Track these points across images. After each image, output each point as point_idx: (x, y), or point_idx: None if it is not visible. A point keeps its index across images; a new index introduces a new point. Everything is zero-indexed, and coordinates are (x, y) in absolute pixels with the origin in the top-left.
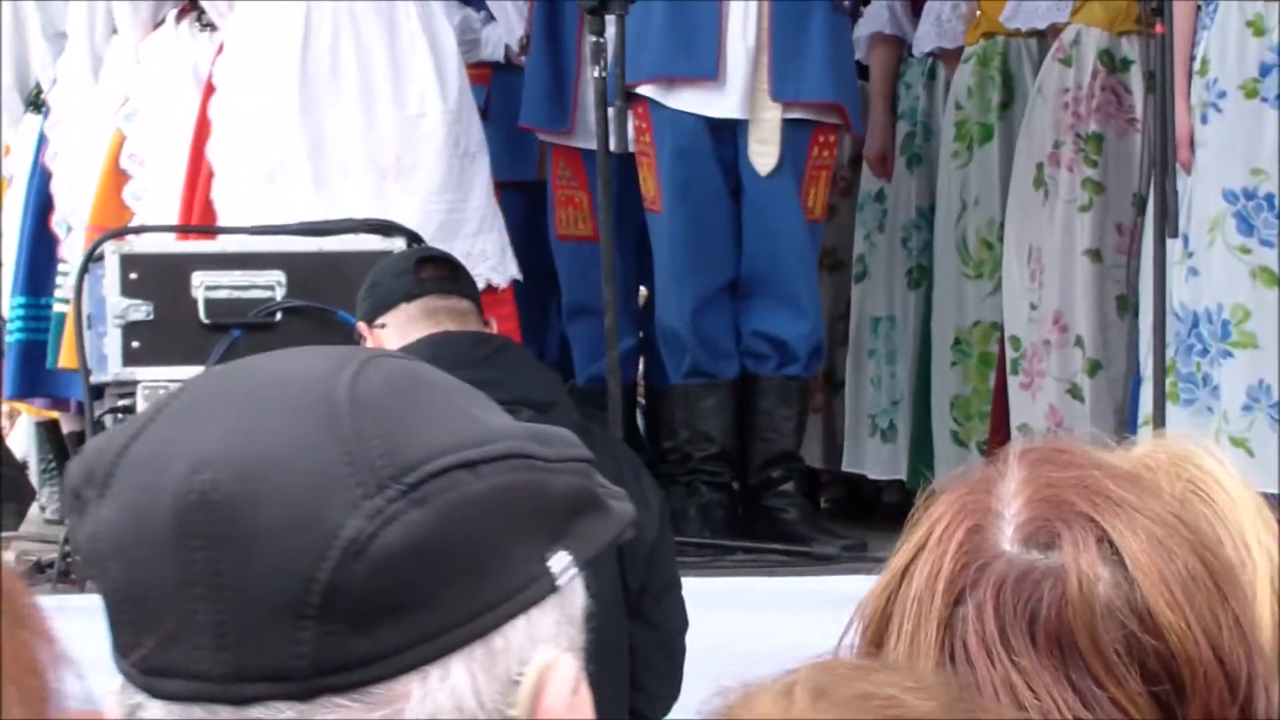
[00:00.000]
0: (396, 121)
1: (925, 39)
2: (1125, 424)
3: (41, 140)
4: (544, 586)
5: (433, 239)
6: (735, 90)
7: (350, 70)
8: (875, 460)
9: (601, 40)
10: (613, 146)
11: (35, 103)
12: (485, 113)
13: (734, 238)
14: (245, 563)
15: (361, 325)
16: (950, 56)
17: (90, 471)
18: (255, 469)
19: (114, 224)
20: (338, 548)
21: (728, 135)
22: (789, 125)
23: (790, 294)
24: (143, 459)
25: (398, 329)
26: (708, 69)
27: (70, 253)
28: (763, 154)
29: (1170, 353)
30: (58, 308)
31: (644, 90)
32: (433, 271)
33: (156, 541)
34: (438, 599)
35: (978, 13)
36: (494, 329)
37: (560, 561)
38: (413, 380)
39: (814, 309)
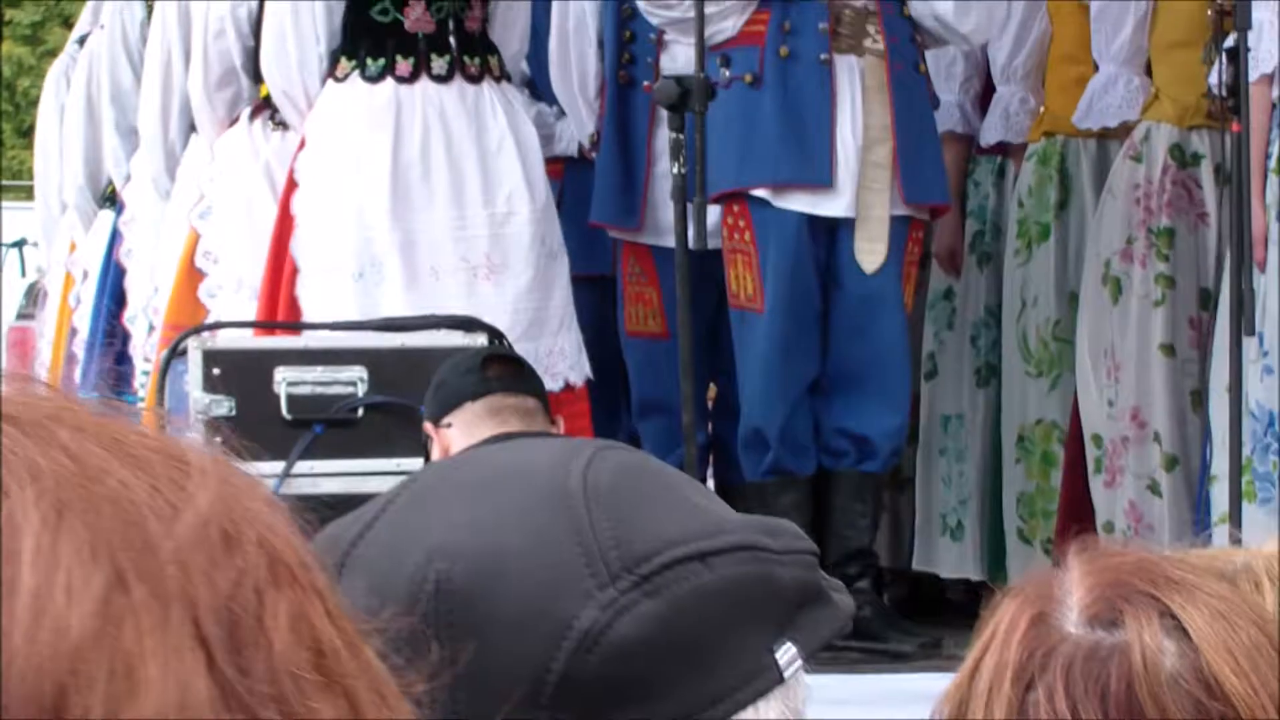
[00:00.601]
0: (486, 221)
1: (991, 131)
2: (1199, 521)
3: (115, 236)
4: (771, 678)
5: (521, 337)
6: (846, 191)
7: (441, 170)
8: (945, 559)
9: (681, 137)
10: (691, 243)
11: (109, 198)
12: (560, 207)
13: (822, 335)
14: (480, 652)
15: (428, 426)
16: (1017, 152)
17: (322, 561)
18: (491, 559)
19: (190, 321)
20: (572, 638)
21: (824, 233)
22: (891, 222)
23: (886, 389)
24: (377, 548)
25: (463, 428)
26: (823, 176)
27: (146, 349)
28: (871, 251)
29: (1246, 451)
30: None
31: (756, 191)
32: (499, 370)
33: (392, 631)
34: (668, 690)
35: (1042, 109)
36: (560, 428)
37: (786, 653)
38: (642, 471)
39: (906, 403)
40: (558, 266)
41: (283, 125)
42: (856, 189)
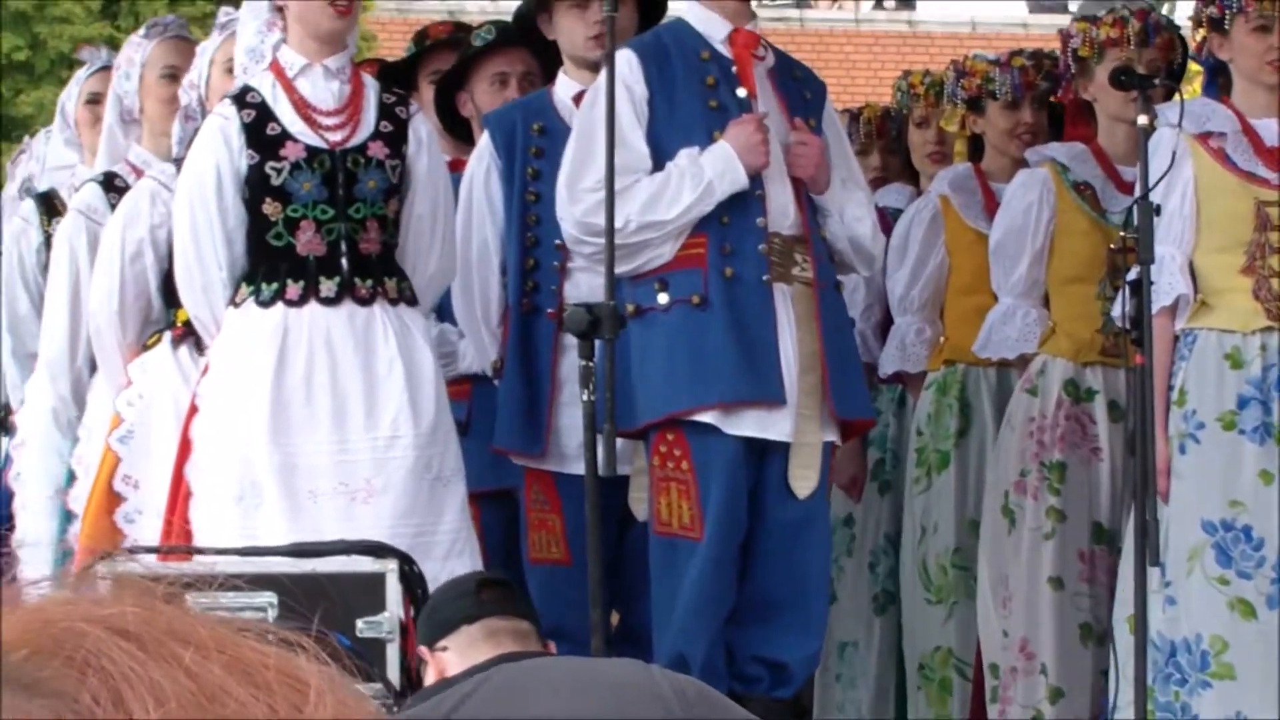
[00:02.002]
0: (368, 445)
1: (889, 361)
2: None
3: (5, 460)
4: None
5: None
6: (791, 414)
7: (324, 393)
8: None
9: (590, 364)
10: (601, 470)
11: (3, 425)
12: (467, 427)
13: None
14: None
15: (423, 649)
16: (915, 381)
17: None
18: None
19: (106, 545)
20: None
21: (754, 459)
22: (821, 447)
23: (807, 614)
24: None
25: (459, 652)
26: (774, 392)
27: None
28: (804, 477)
29: (1149, 681)
30: None
31: (704, 417)
32: (493, 594)
33: None
34: None
35: (941, 339)
36: (553, 650)
37: None
38: (703, 685)
39: (824, 628)
40: (449, 491)
41: (205, 350)
42: (796, 412)
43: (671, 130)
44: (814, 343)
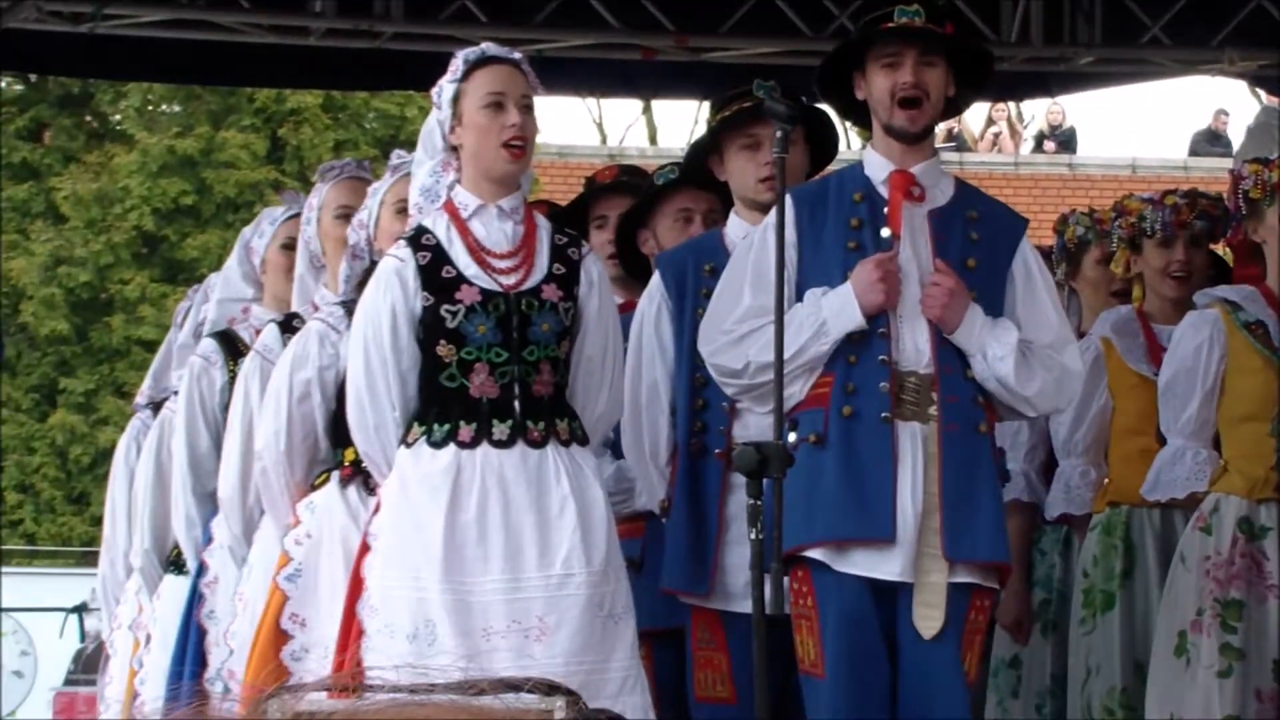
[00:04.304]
0: (541, 584)
1: (1055, 504)
2: None
3: (195, 598)
4: None
5: None
6: (904, 553)
7: (497, 533)
8: None
9: (759, 503)
10: (768, 609)
11: (174, 563)
12: (641, 564)
13: (891, 702)
14: None
15: None
16: (1081, 522)
17: None
18: None
19: (271, 683)
20: None
21: (888, 599)
22: (951, 589)
23: None
24: None
25: None
26: (883, 530)
27: (221, 710)
28: (928, 617)
29: None
30: None
31: (815, 554)
32: None
33: None
34: None
35: (1105, 480)
36: None
37: None
38: None
39: None
40: (620, 629)
41: (375, 490)
42: (915, 553)
43: (814, 272)
44: (938, 479)
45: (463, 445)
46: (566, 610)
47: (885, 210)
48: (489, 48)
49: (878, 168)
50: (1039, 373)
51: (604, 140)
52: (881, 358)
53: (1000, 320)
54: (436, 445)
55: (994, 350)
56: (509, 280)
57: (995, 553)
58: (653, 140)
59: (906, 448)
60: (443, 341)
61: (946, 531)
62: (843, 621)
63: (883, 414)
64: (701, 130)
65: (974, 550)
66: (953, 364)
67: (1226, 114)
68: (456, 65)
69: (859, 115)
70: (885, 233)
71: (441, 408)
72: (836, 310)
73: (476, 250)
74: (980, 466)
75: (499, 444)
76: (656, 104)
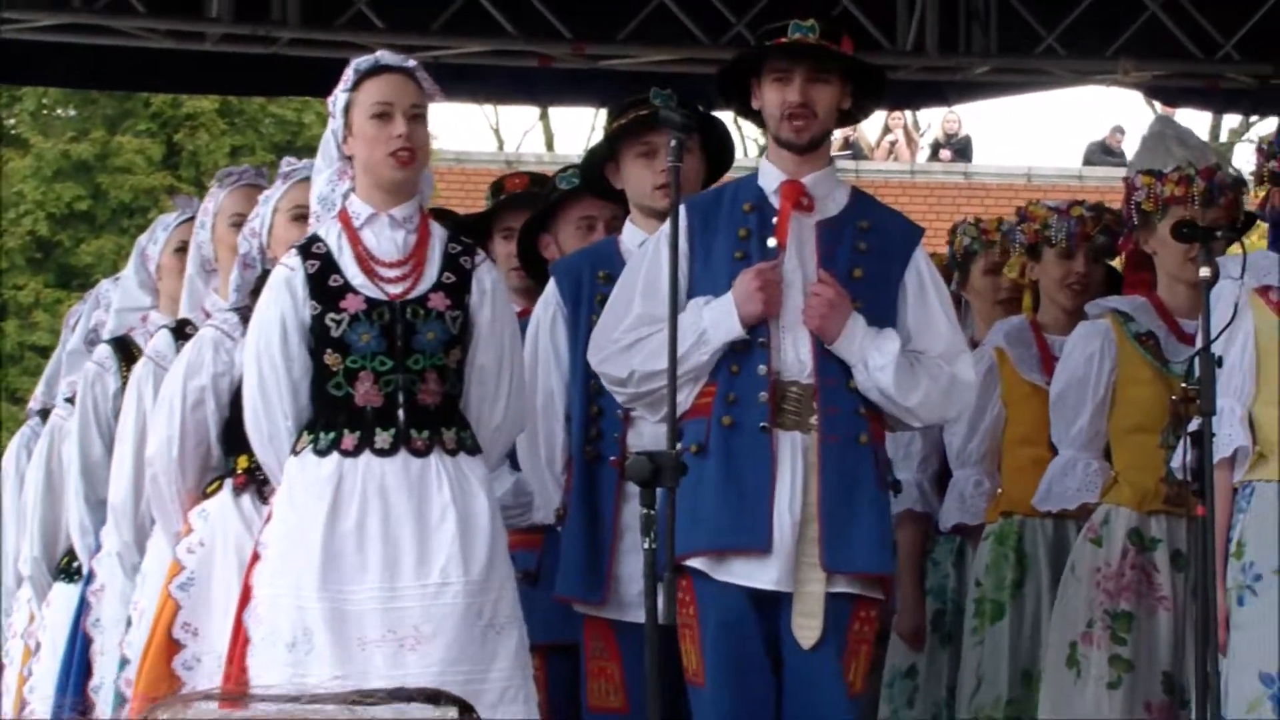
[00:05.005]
0: (418, 592)
1: (949, 514)
2: None
3: (82, 606)
4: None
5: None
6: (781, 562)
7: (375, 543)
8: None
9: (652, 513)
10: (661, 619)
11: (64, 571)
12: (537, 576)
13: (776, 712)
14: None
15: None
16: (974, 532)
17: None
18: None
19: (165, 693)
20: None
21: (770, 608)
22: (832, 599)
23: None
24: None
25: None
26: (760, 540)
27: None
28: (806, 626)
29: None
30: None
31: (693, 563)
32: None
33: None
34: None
35: (999, 490)
36: None
37: None
38: None
39: None
40: (502, 639)
41: (269, 497)
42: (793, 563)
43: (704, 282)
44: (816, 490)
45: (346, 453)
46: (443, 619)
47: (774, 220)
48: (381, 56)
49: (770, 178)
50: (923, 383)
51: (501, 146)
52: (761, 368)
53: (884, 330)
54: (321, 453)
55: (874, 360)
56: (395, 289)
57: (873, 563)
58: (550, 146)
59: (786, 458)
60: (329, 350)
61: (824, 542)
62: (722, 630)
63: (761, 424)
64: (599, 137)
65: (851, 561)
66: (834, 375)
67: (1122, 131)
68: (348, 75)
69: (761, 118)
70: (772, 242)
71: (328, 416)
72: (717, 320)
73: (365, 259)
74: (861, 477)
75: (381, 452)
76: (554, 111)
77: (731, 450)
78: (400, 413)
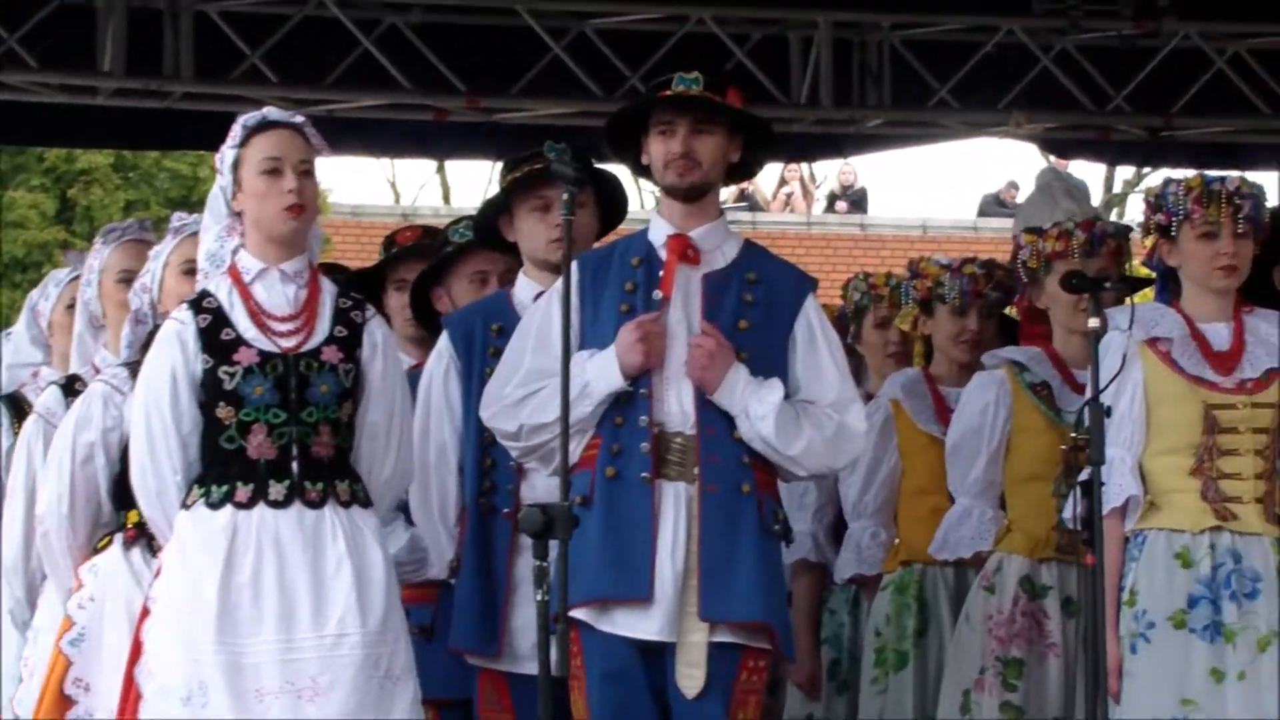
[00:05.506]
0: (315, 644)
1: (845, 566)
2: None
3: None
4: None
5: None
6: (663, 612)
7: (271, 595)
8: None
9: (545, 565)
10: (555, 670)
11: None
12: (432, 631)
13: None
14: None
15: None
16: (871, 582)
17: None
18: None
19: None
20: None
21: (656, 659)
22: (717, 649)
23: None
24: None
25: None
26: (641, 590)
27: None
28: (689, 676)
29: None
30: None
31: (578, 614)
32: None
33: None
34: None
35: (896, 540)
36: None
37: None
38: None
39: None
40: (398, 690)
41: (159, 551)
42: (675, 613)
43: (593, 336)
44: (697, 540)
45: (239, 506)
46: (340, 670)
47: (661, 273)
48: (269, 112)
49: (659, 231)
50: (806, 432)
51: (398, 199)
52: (643, 419)
53: (768, 381)
54: (214, 506)
55: (755, 410)
56: (289, 343)
57: (752, 612)
58: (446, 199)
59: (669, 508)
60: (222, 404)
61: (703, 592)
62: (606, 681)
63: (643, 474)
64: (495, 190)
65: (729, 610)
66: (717, 425)
67: (1016, 186)
68: (235, 131)
69: (651, 174)
70: (657, 295)
71: (220, 469)
72: (599, 372)
73: (257, 313)
74: (742, 527)
75: (275, 504)
76: (450, 164)
77: (615, 501)
78: (294, 465)
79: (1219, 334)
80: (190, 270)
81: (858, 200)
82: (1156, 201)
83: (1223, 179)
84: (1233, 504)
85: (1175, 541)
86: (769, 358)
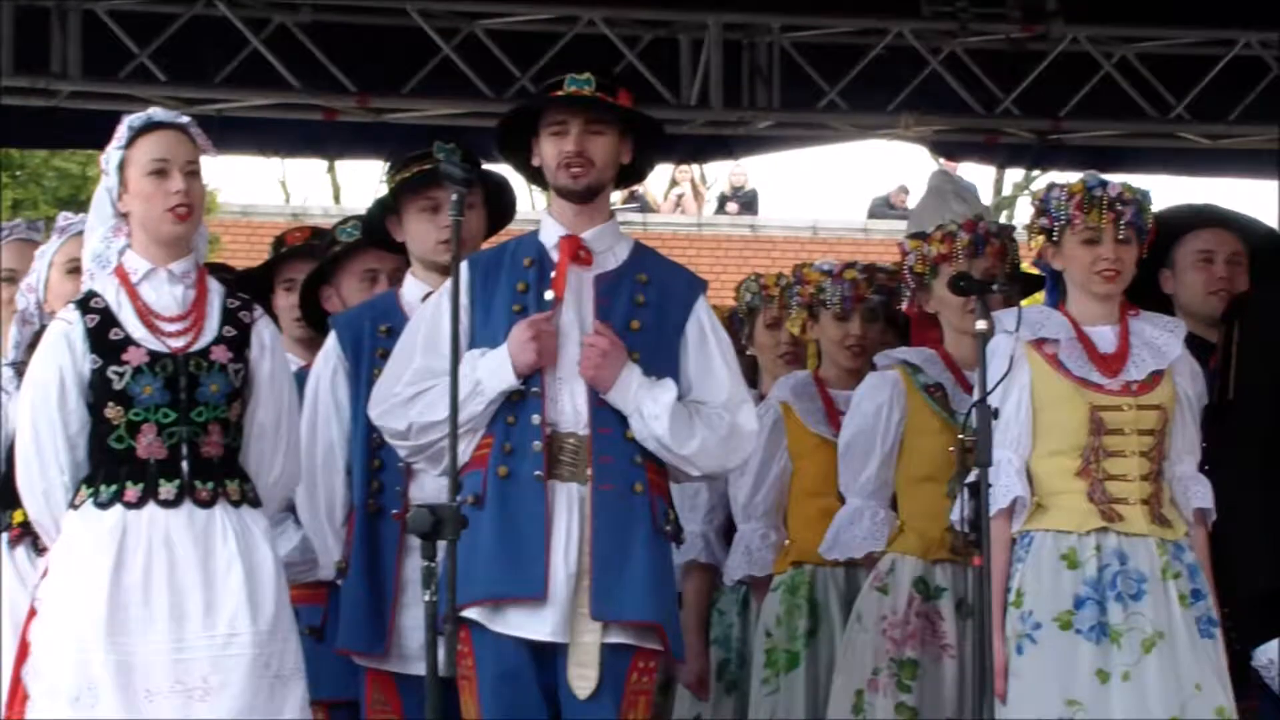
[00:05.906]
0: (206, 643)
1: (735, 568)
2: None
3: None
4: None
5: None
6: (556, 613)
7: (161, 594)
8: None
9: (433, 565)
10: (442, 671)
11: None
12: (322, 631)
13: None
14: None
15: None
16: (760, 583)
17: None
18: None
19: None
20: None
21: (548, 659)
22: (608, 649)
23: None
24: None
25: None
26: (535, 590)
27: None
28: (582, 677)
29: None
30: None
31: (470, 614)
32: None
33: None
34: None
35: (786, 542)
36: None
37: None
38: None
39: None
40: (289, 689)
41: (44, 551)
42: (568, 613)
43: (484, 336)
44: (589, 540)
45: (129, 506)
46: (231, 670)
47: (553, 274)
48: (155, 113)
49: (550, 232)
50: (699, 431)
51: (288, 199)
52: (536, 418)
53: (662, 380)
54: (103, 506)
55: (649, 409)
56: (178, 343)
57: (643, 612)
58: (336, 199)
59: (561, 508)
60: (111, 403)
61: (594, 592)
62: (498, 681)
63: (536, 473)
64: (384, 190)
65: (620, 610)
66: (610, 424)
67: (906, 191)
68: (121, 132)
69: (540, 177)
70: (549, 295)
71: (108, 469)
72: (491, 370)
73: (145, 314)
74: (634, 527)
75: (166, 504)
76: (341, 163)
77: (507, 501)
78: (184, 464)
79: (1105, 337)
80: (76, 270)
81: (748, 202)
82: (1040, 206)
83: (1105, 184)
84: (1119, 505)
85: (1062, 542)
86: (661, 358)
